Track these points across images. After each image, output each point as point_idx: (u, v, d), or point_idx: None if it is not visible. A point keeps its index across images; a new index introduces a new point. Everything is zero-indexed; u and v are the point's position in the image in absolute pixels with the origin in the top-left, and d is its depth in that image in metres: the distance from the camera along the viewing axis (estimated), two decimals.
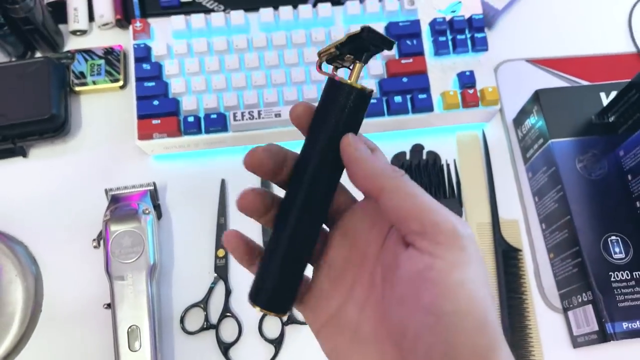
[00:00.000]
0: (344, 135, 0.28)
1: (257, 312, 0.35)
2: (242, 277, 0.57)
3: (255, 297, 0.29)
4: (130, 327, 0.52)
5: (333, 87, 0.28)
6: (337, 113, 0.28)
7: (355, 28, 0.27)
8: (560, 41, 0.68)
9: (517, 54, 0.67)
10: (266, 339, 0.55)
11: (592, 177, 0.55)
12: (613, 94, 0.57)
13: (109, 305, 0.53)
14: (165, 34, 0.63)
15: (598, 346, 0.52)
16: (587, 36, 0.68)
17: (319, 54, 0.29)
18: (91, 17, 0.67)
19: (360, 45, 0.27)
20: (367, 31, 0.26)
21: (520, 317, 0.55)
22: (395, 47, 0.62)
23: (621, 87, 0.55)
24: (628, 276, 0.51)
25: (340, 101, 0.28)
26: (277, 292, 0.29)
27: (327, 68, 0.29)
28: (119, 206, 0.56)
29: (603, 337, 0.50)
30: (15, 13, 0.59)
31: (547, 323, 0.56)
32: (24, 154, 0.61)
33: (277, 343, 0.55)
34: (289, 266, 0.29)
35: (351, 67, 0.28)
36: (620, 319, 0.50)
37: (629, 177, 0.54)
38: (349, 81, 0.28)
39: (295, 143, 0.62)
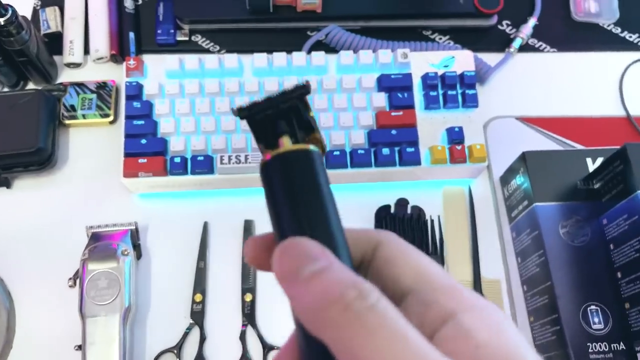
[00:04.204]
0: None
1: None
2: (218, 324, 0.57)
3: None
4: None
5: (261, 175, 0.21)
6: (268, 204, 0.21)
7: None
8: (551, 101, 0.68)
9: (507, 111, 0.68)
10: None
11: (574, 243, 0.55)
12: (599, 160, 0.57)
13: (79, 347, 0.52)
14: (159, 72, 0.63)
15: None
16: (578, 97, 0.69)
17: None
18: (86, 50, 0.68)
19: (261, 125, 0.21)
20: (246, 110, 0.21)
21: None
22: (386, 98, 0.62)
23: (607, 154, 0.55)
24: (606, 348, 0.51)
25: (265, 186, 0.21)
26: None
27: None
28: (98, 245, 0.55)
29: None
30: (10, 45, 0.59)
31: None
32: (7, 184, 0.61)
33: None
34: None
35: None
36: None
37: (611, 246, 0.54)
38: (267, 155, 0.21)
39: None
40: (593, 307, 0.52)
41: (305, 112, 0.22)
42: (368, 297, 0.17)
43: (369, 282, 0.18)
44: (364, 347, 0.16)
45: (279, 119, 0.21)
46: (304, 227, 0.19)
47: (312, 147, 0.21)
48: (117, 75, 0.66)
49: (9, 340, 0.55)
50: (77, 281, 0.54)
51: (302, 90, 0.21)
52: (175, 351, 0.55)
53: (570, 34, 0.72)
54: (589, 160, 0.58)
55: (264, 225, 0.61)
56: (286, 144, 0.21)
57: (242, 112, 0.21)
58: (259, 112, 0.21)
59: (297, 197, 0.20)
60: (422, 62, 0.64)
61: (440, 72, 0.63)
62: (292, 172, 0.20)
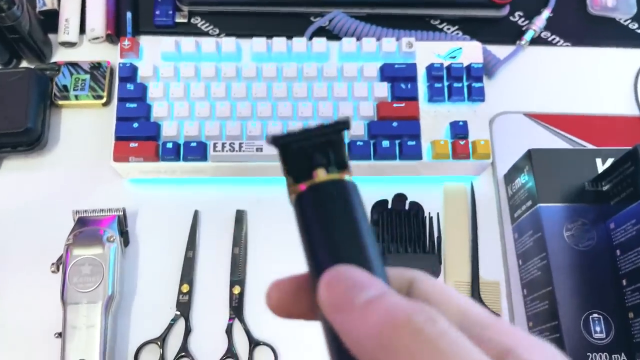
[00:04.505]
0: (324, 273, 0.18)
1: None
2: (205, 316, 0.55)
3: None
4: None
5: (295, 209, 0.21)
6: (304, 236, 0.20)
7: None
8: (562, 97, 0.66)
9: (515, 106, 0.65)
10: None
11: (579, 247, 0.52)
12: (609, 161, 0.55)
13: (60, 335, 0.51)
14: (154, 54, 0.61)
15: None
16: (590, 94, 0.66)
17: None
18: (82, 30, 0.66)
19: (295, 156, 0.20)
20: (282, 139, 0.20)
21: None
22: (388, 88, 0.60)
23: (619, 154, 0.52)
24: (607, 358, 0.48)
25: (299, 218, 0.20)
26: None
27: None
28: (84, 231, 0.54)
29: None
30: (1, 22, 0.57)
31: None
32: None
33: None
34: None
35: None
36: None
37: (618, 252, 0.51)
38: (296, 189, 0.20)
39: (275, 179, 0.60)
40: (595, 315, 0.50)
41: (343, 148, 0.21)
42: (438, 321, 0.16)
43: (429, 307, 0.17)
44: None
45: (316, 151, 0.20)
46: (346, 257, 0.18)
47: (347, 177, 0.20)
48: (112, 56, 0.64)
49: None
50: (60, 267, 0.53)
51: (342, 125, 0.20)
52: (159, 342, 0.53)
53: (584, 28, 0.69)
54: (598, 161, 0.55)
55: (256, 216, 0.59)
56: (322, 175, 0.20)
57: (277, 140, 0.20)
58: (294, 142, 0.20)
59: (336, 228, 0.19)
60: (428, 52, 0.62)
61: (446, 64, 0.61)
62: (329, 202, 0.19)
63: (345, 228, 0.19)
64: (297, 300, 0.19)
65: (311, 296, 0.19)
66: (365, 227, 0.19)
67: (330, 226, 0.19)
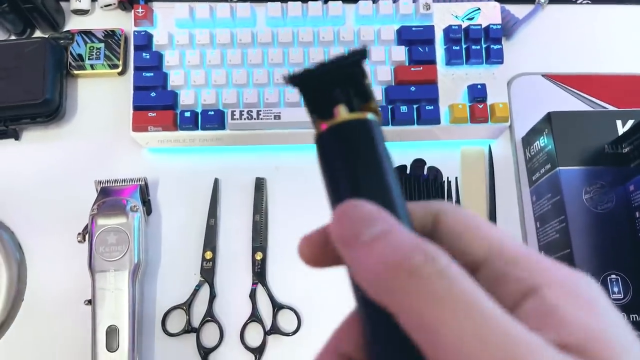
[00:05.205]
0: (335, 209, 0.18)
1: None
2: (228, 282, 0.56)
3: None
4: (109, 326, 0.51)
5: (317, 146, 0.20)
6: (325, 176, 0.20)
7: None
8: (582, 57, 0.65)
9: (534, 67, 0.64)
10: (247, 347, 0.54)
11: (597, 209, 0.52)
12: (630, 123, 0.54)
13: (89, 302, 0.52)
14: (168, 22, 0.60)
15: None
16: (611, 54, 0.65)
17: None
18: None
19: (314, 93, 0.20)
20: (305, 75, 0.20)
21: None
22: (405, 52, 0.59)
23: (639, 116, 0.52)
24: (625, 318, 0.49)
25: (320, 158, 0.20)
26: None
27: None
28: (107, 201, 0.54)
29: None
30: None
31: None
32: (16, 136, 0.60)
33: (258, 352, 0.54)
34: None
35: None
36: None
37: (637, 214, 0.51)
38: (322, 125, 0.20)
39: (293, 147, 0.60)
40: (613, 276, 0.50)
41: (363, 79, 0.20)
42: (437, 261, 0.15)
43: (436, 245, 0.16)
44: (434, 317, 0.14)
45: (335, 86, 0.20)
46: (363, 193, 0.18)
47: (369, 115, 0.19)
48: (125, 23, 0.64)
49: (20, 292, 0.55)
50: (87, 236, 0.54)
51: (359, 55, 0.20)
52: (185, 308, 0.55)
53: None
54: (619, 123, 0.55)
55: (275, 183, 0.59)
56: (342, 113, 0.19)
57: (294, 79, 0.20)
58: (312, 80, 0.20)
59: (356, 167, 0.19)
60: (445, 13, 0.61)
61: (464, 25, 0.60)
62: (350, 142, 0.19)
63: (365, 167, 0.19)
64: (326, 250, 0.19)
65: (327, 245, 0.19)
66: (386, 165, 0.19)
67: (350, 166, 0.19)
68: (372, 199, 0.18)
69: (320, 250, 0.19)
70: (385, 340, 0.17)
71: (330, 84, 0.20)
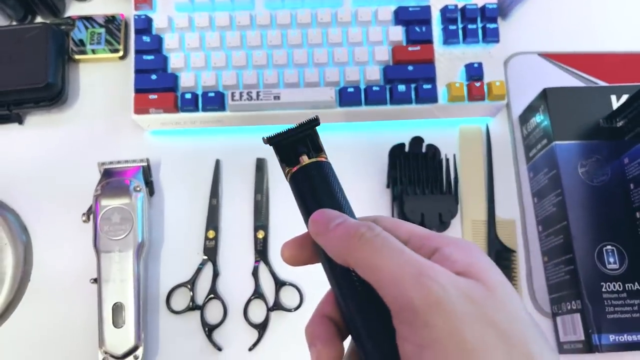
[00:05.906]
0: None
1: None
2: (231, 260, 0.57)
3: None
4: (115, 303, 0.52)
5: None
6: (299, 202, 0.29)
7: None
8: (577, 36, 0.65)
9: (530, 46, 0.65)
10: (251, 324, 0.55)
11: (593, 183, 0.53)
12: (624, 98, 0.55)
13: (95, 280, 0.53)
14: (168, 5, 0.61)
15: (583, 355, 0.51)
16: (605, 32, 0.65)
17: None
18: None
19: (284, 149, 0.29)
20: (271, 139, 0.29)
21: None
22: (403, 32, 0.60)
23: (633, 90, 0.53)
24: (620, 287, 0.50)
25: (294, 190, 0.29)
26: None
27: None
28: (111, 181, 0.55)
29: (588, 347, 0.49)
30: None
31: None
32: (19, 120, 0.61)
33: (262, 328, 0.55)
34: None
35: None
36: (608, 330, 0.49)
37: (632, 186, 0.52)
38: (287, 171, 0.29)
39: (291, 126, 0.61)
40: (609, 247, 0.51)
41: (317, 139, 0.29)
42: (374, 229, 0.25)
43: (373, 223, 0.26)
44: (376, 260, 0.24)
45: (299, 144, 0.29)
46: (325, 205, 0.28)
47: (323, 159, 0.29)
48: (125, 8, 0.64)
49: (26, 273, 0.56)
50: (91, 216, 0.55)
51: (314, 123, 0.29)
52: (189, 286, 0.56)
53: None
54: (613, 98, 0.56)
55: (276, 164, 0.60)
56: (306, 159, 0.29)
57: (271, 140, 0.29)
58: (283, 140, 0.29)
59: (319, 190, 0.28)
60: None
61: (460, 5, 0.61)
62: (313, 176, 0.29)
63: (324, 190, 0.28)
64: (302, 252, 0.28)
65: (310, 247, 0.28)
66: (336, 188, 0.28)
67: (314, 191, 0.28)
68: (331, 207, 0.27)
69: (297, 252, 0.28)
70: (348, 296, 0.26)
71: (296, 143, 0.29)
